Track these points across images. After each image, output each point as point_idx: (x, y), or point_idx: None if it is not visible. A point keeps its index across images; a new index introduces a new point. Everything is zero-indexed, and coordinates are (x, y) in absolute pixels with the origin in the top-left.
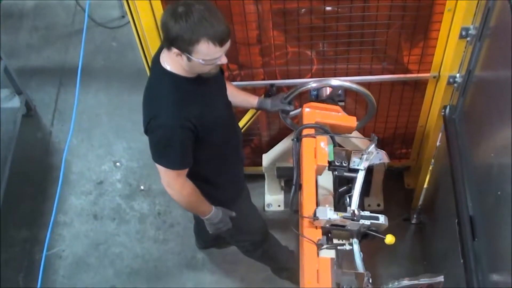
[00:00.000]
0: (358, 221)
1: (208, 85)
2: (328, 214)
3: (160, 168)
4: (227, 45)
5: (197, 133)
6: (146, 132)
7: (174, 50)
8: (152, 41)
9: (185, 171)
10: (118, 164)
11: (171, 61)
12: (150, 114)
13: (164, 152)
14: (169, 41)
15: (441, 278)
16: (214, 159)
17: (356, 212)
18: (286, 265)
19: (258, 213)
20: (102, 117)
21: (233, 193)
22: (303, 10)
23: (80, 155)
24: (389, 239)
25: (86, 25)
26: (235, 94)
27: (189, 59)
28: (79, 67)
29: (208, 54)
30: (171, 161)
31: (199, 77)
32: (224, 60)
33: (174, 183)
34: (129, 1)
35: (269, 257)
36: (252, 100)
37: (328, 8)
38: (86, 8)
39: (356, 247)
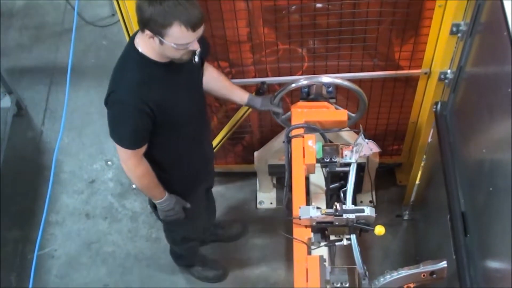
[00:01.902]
0: (342, 215)
1: (180, 74)
2: (311, 212)
3: (116, 144)
4: (200, 30)
5: (155, 119)
6: (106, 104)
7: (147, 32)
8: None
9: (140, 151)
10: (109, 162)
11: (144, 44)
12: (112, 88)
13: (117, 128)
14: (143, 23)
15: (444, 264)
16: (170, 149)
17: (338, 207)
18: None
19: (206, 215)
20: (93, 115)
21: (186, 188)
22: (293, 7)
23: (72, 154)
24: (378, 230)
25: (76, 23)
26: (226, 86)
27: (161, 42)
28: (69, 66)
29: (180, 38)
30: (122, 139)
31: (171, 64)
32: (196, 46)
33: (127, 161)
34: None
35: (191, 253)
36: (243, 96)
37: (318, 5)
38: (75, 7)
39: (354, 242)
